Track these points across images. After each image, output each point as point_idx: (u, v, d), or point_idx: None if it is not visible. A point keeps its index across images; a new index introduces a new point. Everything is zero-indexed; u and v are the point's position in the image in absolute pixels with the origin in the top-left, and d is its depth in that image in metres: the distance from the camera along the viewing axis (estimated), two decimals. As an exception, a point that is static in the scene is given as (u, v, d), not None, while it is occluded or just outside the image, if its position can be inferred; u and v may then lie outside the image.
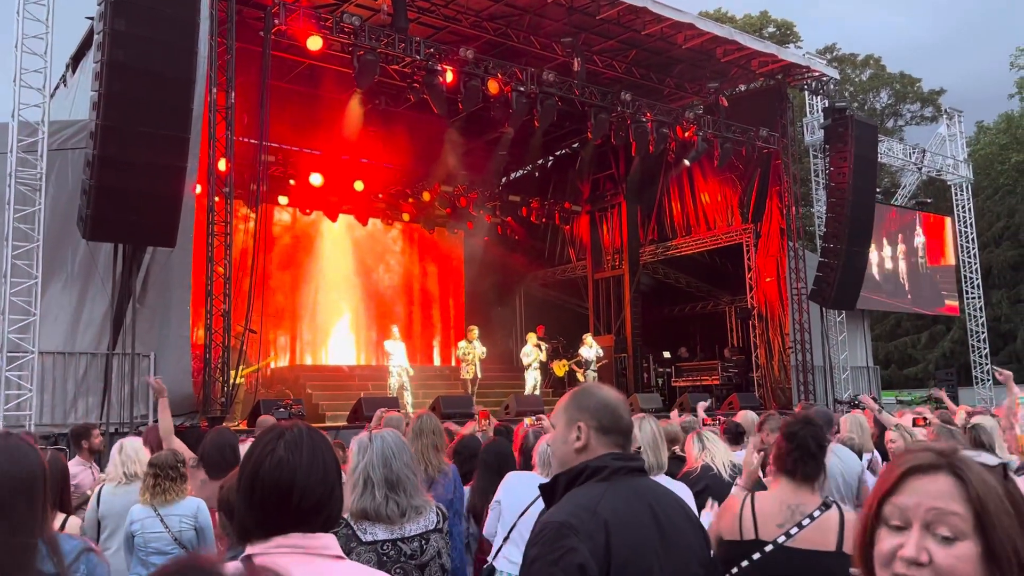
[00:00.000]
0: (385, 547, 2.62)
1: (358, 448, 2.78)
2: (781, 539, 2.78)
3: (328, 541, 1.63)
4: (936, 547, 1.13)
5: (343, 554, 1.69)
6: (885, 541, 1.18)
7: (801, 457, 2.91)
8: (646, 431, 4.04)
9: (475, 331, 15.69)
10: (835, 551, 2.74)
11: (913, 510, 1.16)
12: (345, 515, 2.66)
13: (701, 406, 9.87)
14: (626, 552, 1.88)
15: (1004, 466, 1.19)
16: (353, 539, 2.60)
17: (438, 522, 2.84)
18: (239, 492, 1.68)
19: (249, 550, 1.60)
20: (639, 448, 3.93)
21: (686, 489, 3.79)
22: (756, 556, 2.77)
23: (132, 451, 4.66)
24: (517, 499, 3.99)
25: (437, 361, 20.14)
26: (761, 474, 3.63)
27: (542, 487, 2.14)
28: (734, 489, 3.52)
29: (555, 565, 1.83)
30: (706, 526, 2.64)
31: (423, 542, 2.74)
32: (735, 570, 2.79)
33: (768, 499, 2.92)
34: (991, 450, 4.45)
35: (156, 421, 9.60)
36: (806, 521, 2.80)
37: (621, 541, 1.88)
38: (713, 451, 4.64)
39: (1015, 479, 1.20)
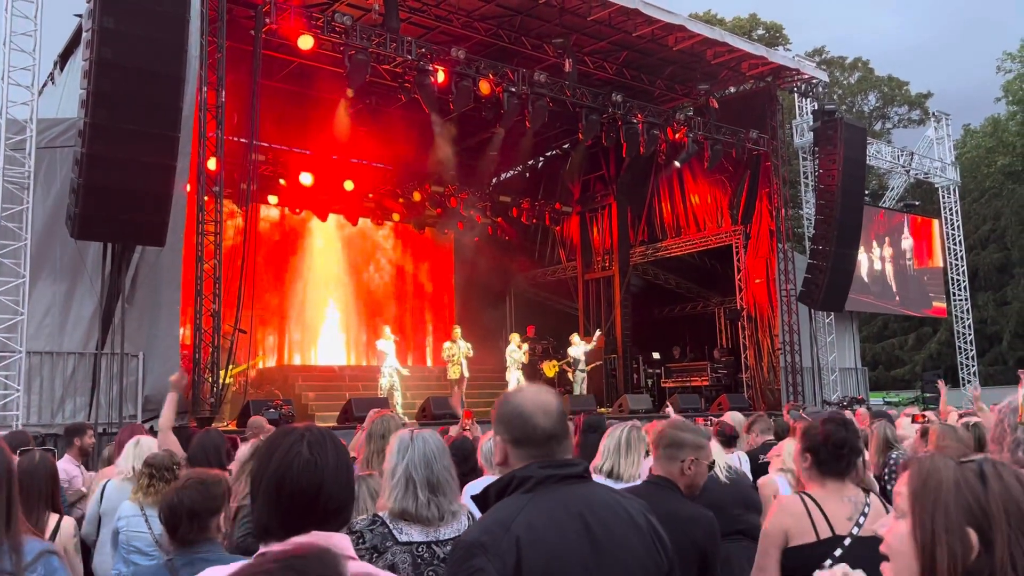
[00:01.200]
0: (420, 549, 2.60)
1: (398, 447, 2.74)
2: (855, 530, 2.79)
3: (342, 541, 1.64)
4: (892, 523, 1.30)
5: (354, 555, 1.70)
6: None
7: (843, 455, 2.92)
8: (613, 437, 4.02)
9: (458, 330, 15.69)
10: None
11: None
12: (382, 513, 2.65)
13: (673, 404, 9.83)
14: (540, 570, 1.79)
15: (980, 464, 1.25)
16: (389, 538, 2.57)
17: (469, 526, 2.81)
18: (260, 492, 1.67)
19: (263, 550, 1.61)
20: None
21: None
22: (838, 552, 2.77)
23: (147, 451, 4.63)
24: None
25: (429, 362, 20.11)
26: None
27: (474, 498, 2.06)
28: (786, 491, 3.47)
29: None
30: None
31: None
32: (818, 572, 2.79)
33: (827, 496, 2.90)
34: (982, 447, 4.46)
35: (143, 421, 9.61)
36: (867, 508, 2.84)
37: (535, 558, 1.79)
38: (711, 452, 4.61)
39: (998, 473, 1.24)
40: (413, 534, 2.62)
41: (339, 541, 1.64)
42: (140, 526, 3.99)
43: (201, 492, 2.84)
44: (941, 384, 9.56)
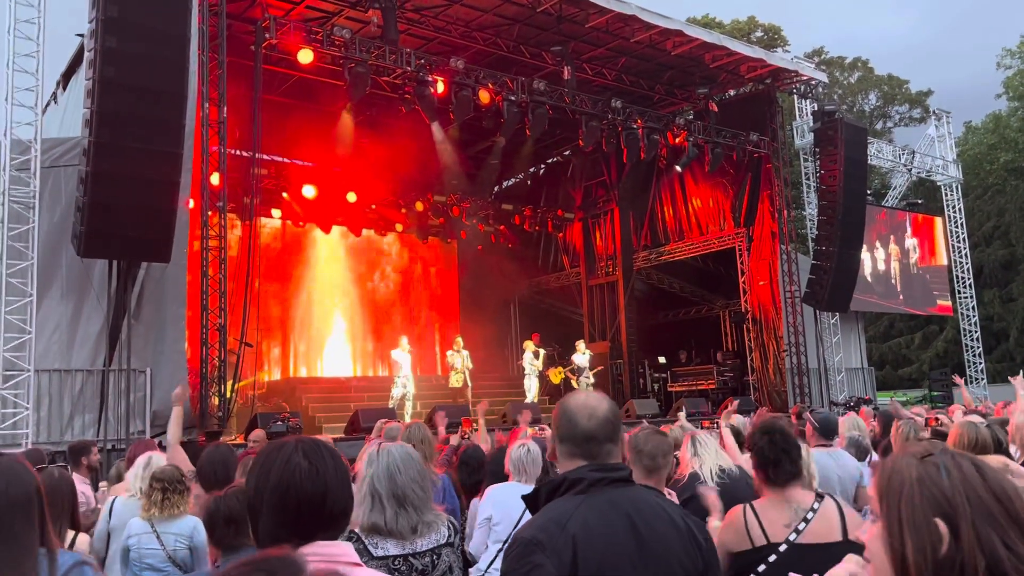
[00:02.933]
0: (396, 562, 2.61)
1: (367, 461, 2.77)
2: (792, 536, 2.83)
3: (346, 549, 1.70)
4: (871, 528, 1.31)
5: (360, 561, 1.75)
6: None
7: (774, 462, 2.98)
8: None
9: (460, 340, 15.73)
10: (842, 540, 2.80)
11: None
12: (356, 529, 2.65)
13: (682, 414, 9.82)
14: (595, 566, 1.91)
15: (938, 457, 1.27)
16: (364, 554, 2.57)
17: (449, 536, 2.81)
18: (263, 505, 1.70)
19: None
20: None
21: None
22: (772, 558, 2.81)
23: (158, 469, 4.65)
24: (508, 512, 4.00)
25: (438, 371, 20.12)
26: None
27: (525, 498, 2.17)
28: None
29: None
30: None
31: (434, 557, 2.72)
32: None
33: (768, 504, 2.97)
34: (999, 447, 4.44)
35: (151, 436, 9.65)
36: (810, 515, 2.87)
37: (590, 555, 1.91)
38: (703, 457, 4.58)
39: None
40: (389, 548, 2.63)
41: (344, 549, 1.69)
42: (152, 543, 4.02)
43: (242, 501, 2.90)
44: (958, 379, 9.56)
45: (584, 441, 2.09)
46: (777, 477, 2.97)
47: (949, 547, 1.18)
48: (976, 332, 23.33)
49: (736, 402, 10.66)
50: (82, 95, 9.56)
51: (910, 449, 1.32)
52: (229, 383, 10.93)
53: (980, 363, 23.05)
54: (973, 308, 23.34)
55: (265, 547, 1.71)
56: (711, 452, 4.62)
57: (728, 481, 4.55)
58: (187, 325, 10.85)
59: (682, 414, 9.14)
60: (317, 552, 1.63)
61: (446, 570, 2.75)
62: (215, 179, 11.24)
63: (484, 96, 13.60)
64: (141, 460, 4.57)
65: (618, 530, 1.99)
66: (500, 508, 4.07)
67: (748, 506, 2.99)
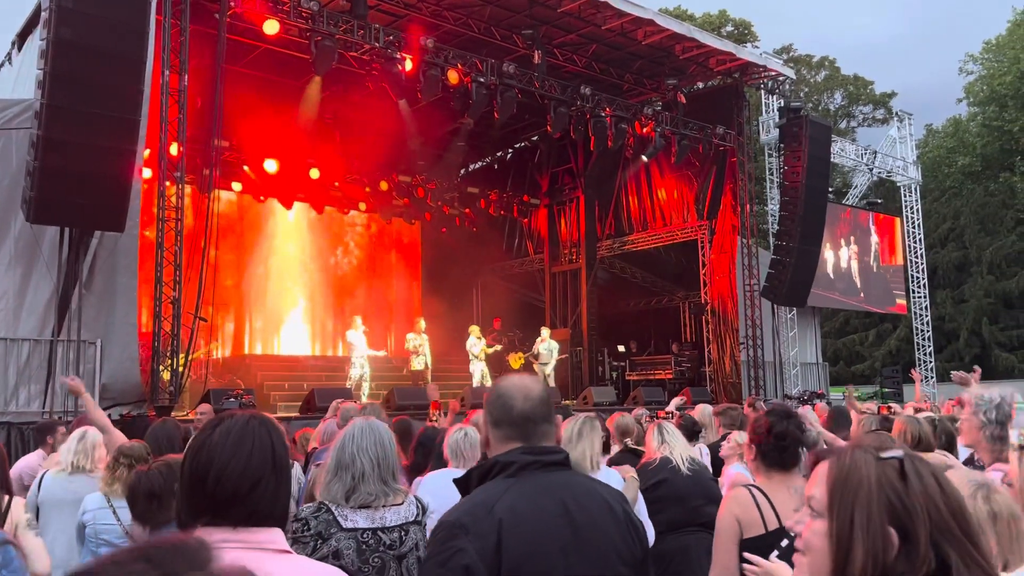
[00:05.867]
0: (365, 535, 2.63)
1: (334, 435, 2.88)
2: None
3: (271, 535, 1.59)
4: (809, 520, 1.27)
5: (289, 548, 1.65)
6: None
7: (786, 446, 2.98)
8: (566, 429, 4.10)
9: (422, 323, 15.68)
10: None
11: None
12: (326, 500, 2.71)
13: (674, 402, 9.90)
14: (521, 551, 1.84)
15: (900, 460, 1.24)
16: (334, 524, 2.61)
17: (417, 514, 2.86)
18: (183, 481, 1.65)
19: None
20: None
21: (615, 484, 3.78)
22: (784, 543, 2.79)
23: (91, 445, 4.54)
24: (443, 499, 3.94)
25: (392, 351, 19.99)
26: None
27: (456, 482, 2.11)
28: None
29: (443, 567, 1.82)
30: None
31: (402, 533, 2.76)
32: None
33: (775, 488, 2.95)
34: (948, 441, 4.53)
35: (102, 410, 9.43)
36: None
37: (516, 541, 1.84)
38: (672, 444, 4.65)
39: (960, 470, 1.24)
40: (358, 520, 2.64)
41: (269, 536, 1.59)
42: (108, 518, 3.93)
43: (165, 475, 2.91)
44: (915, 373, 9.73)
45: (521, 422, 2.04)
46: (786, 461, 2.98)
47: (898, 555, 1.15)
48: (928, 331, 23.83)
49: (679, 398, 10.75)
50: (36, 56, 9.26)
51: (864, 441, 1.28)
52: (181, 356, 10.71)
53: (931, 362, 23.58)
54: (926, 308, 23.84)
55: (180, 526, 1.63)
56: (679, 440, 4.72)
57: (698, 468, 4.64)
58: (139, 297, 10.62)
59: (673, 404, 9.22)
60: (240, 539, 1.55)
61: (413, 547, 2.77)
62: (174, 149, 10.97)
63: (453, 76, 13.46)
64: (75, 434, 4.47)
65: (549, 515, 1.92)
66: (436, 495, 4.02)
67: (756, 488, 2.97)
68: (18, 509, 3.62)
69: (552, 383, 16.23)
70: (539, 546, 1.87)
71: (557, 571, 1.87)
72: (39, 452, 6.00)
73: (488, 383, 15.43)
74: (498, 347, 16.63)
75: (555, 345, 16.62)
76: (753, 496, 2.91)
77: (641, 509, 4.06)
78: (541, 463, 1.99)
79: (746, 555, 2.22)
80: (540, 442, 2.04)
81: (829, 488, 1.23)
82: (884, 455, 1.23)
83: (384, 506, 2.69)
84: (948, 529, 1.17)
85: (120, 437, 4.72)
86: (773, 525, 2.83)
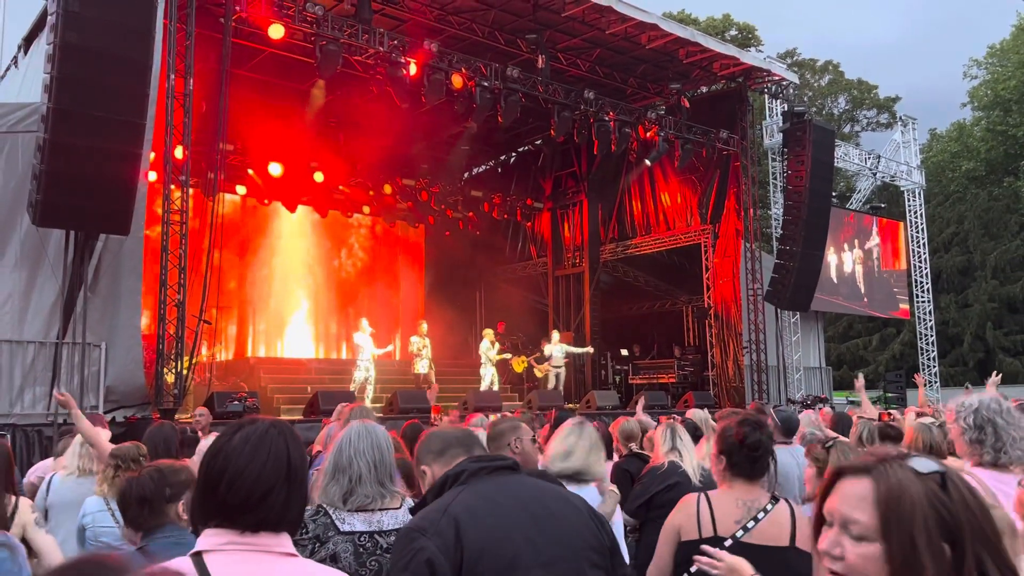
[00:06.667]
0: (362, 539, 2.65)
1: (334, 439, 2.87)
2: (739, 533, 2.82)
3: (279, 539, 1.61)
4: (849, 544, 1.21)
5: (295, 552, 1.67)
6: (823, 536, 1.27)
7: (757, 457, 2.97)
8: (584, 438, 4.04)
9: (424, 326, 15.67)
10: (789, 545, 2.79)
11: (834, 511, 1.25)
12: (324, 504, 2.73)
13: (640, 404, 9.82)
14: (482, 541, 1.88)
15: (942, 474, 1.21)
16: (331, 528, 2.63)
17: None
18: (198, 485, 1.68)
19: (198, 543, 1.60)
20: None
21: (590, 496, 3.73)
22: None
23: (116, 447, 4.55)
24: None
25: (397, 356, 20.00)
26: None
27: (412, 510, 2.18)
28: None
29: (405, 570, 1.85)
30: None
31: None
32: (694, 568, 2.82)
33: (723, 497, 2.97)
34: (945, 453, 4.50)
35: (104, 412, 9.46)
36: (761, 515, 2.86)
37: (475, 532, 1.88)
38: (683, 451, 4.58)
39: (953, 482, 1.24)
40: (356, 524, 2.66)
41: (276, 539, 1.61)
42: (107, 520, 3.95)
43: (156, 480, 2.91)
44: (919, 378, 9.68)
45: (461, 440, 2.18)
46: (755, 472, 2.97)
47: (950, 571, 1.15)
48: (932, 336, 23.80)
49: (640, 397, 10.74)
50: (43, 60, 9.30)
51: (889, 455, 1.24)
52: (185, 360, 10.75)
53: (934, 367, 23.55)
54: (930, 312, 23.81)
55: (194, 528, 1.66)
56: (691, 448, 4.62)
57: (706, 476, 4.56)
58: (144, 300, 10.65)
59: (639, 406, 9.18)
60: (247, 541, 1.57)
61: None
62: (179, 153, 11.01)
63: (457, 81, 13.49)
64: (78, 438, 4.48)
65: (506, 509, 1.96)
66: None
67: (704, 495, 2.99)
68: (25, 510, 3.64)
69: (560, 387, 16.20)
70: (501, 532, 1.91)
71: (524, 556, 1.89)
72: (52, 460, 6.00)
73: (496, 388, 15.44)
74: (508, 355, 16.65)
75: (564, 348, 16.59)
76: (698, 504, 2.96)
77: (618, 528, 3.95)
78: (490, 468, 2.04)
79: (706, 548, 2.24)
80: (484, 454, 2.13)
81: (881, 512, 1.19)
82: (923, 470, 1.22)
83: (381, 509, 2.71)
84: (985, 538, 1.17)
85: (108, 448, 4.74)
86: (708, 533, 2.87)
